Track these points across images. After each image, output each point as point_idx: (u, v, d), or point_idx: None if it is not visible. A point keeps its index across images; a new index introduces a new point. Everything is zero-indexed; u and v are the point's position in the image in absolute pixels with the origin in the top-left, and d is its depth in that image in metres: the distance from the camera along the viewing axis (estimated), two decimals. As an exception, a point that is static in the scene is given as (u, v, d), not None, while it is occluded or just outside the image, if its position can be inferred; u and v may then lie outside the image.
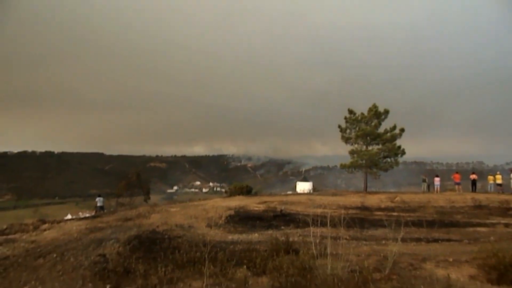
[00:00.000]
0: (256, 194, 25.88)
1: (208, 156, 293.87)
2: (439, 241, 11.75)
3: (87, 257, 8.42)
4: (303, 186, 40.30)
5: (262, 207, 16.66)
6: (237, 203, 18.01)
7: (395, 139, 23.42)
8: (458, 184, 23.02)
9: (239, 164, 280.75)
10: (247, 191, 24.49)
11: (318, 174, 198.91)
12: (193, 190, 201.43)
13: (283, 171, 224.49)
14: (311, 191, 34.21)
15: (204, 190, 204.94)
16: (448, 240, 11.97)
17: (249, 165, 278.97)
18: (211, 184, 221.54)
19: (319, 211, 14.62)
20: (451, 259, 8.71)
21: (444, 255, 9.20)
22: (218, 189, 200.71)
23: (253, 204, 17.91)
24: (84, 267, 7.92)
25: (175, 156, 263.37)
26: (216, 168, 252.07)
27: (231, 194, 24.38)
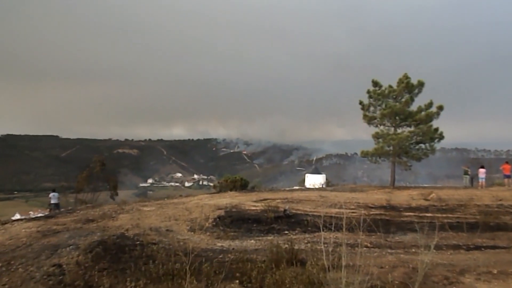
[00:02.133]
0: (253, 189, 26.00)
1: (192, 140, 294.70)
2: (482, 249, 11.92)
3: (39, 267, 8.50)
4: (313, 180, 40.73)
5: (260, 206, 16.81)
6: (229, 201, 18.15)
7: (431, 120, 23.43)
8: (508, 177, 23.34)
9: (232, 151, 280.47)
10: (242, 186, 24.81)
11: (333, 164, 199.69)
12: (172, 184, 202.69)
13: (289, 160, 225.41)
14: (324, 186, 34.63)
15: (187, 184, 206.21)
16: (493, 247, 12.15)
17: (245, 152, 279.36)
18: (195, 176, 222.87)
19: (333, 211, 14.60)
20: (495, 271, 8.84)
21: (487, 265, 9.35)
22: (205, 182, 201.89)
23: (249, 202, 17.99)
24: (35, 280, 8.01)
25: (149, 140, 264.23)
26: (202, 155, 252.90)
27: (221, 189, 24.72)
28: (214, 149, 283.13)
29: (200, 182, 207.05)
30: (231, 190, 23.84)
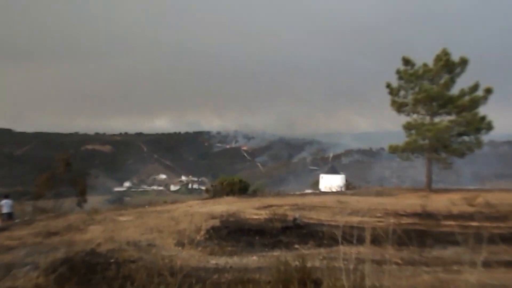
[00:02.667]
0: (255, 193, 26.34)
1: (179, 134, 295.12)
2: (543, 266, 12.27)
3: (-11, 292, 8.68)
4: (330, 181, 41.36)
5: (264, 214, 17.01)
6: (225, 208, 18.45)
7: (477, 106, 23.38)
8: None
9: (228, 146, 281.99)
10: (241, 190, 25.21)
11: (355, 162, 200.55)
12: (155, 187, 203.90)
13: (300, 158, 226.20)
14: (343, 189, 34.70)
15: (173, 187, 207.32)
16: (557, 264, 12.50)
17: (245, 147, 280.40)
18: (183, 178, 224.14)
19: (354, 220, 14.76)
20: (558, 294, 9.13)
21: (549, 287, 9.70)
22: (195, 186, 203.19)
23: (250, 209, 18.32)
24: (-18, 309, 8.13)
25: (126, 134, 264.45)
26: (192, 153, 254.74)
27: (215, 194, 25.16)
28: (206, 144, 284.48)
29: (190, 186, 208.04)
30: (227, 195, 24.11)
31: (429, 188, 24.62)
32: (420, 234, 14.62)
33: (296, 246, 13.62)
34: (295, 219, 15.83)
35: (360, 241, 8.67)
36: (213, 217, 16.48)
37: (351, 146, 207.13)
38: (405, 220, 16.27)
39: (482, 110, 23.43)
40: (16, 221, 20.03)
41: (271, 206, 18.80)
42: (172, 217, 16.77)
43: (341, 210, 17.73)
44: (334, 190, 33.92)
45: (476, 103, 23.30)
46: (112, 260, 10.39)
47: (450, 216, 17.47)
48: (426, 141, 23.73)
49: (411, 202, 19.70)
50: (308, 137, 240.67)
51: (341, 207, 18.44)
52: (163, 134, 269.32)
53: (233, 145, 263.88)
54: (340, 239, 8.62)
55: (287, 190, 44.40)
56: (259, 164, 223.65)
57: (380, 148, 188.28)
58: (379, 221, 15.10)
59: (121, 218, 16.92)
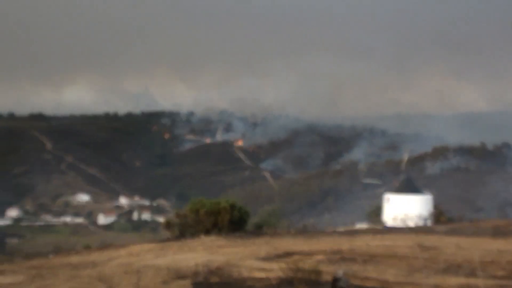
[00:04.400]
0: (260, 231, 25.94)
1: (114, 117, 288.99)
2: None
3: None
4: (404, 207, 38.16)
5: (278, 269, 15.66)
6: (204, 259, 17.24)
7: None
8: None
9: (208, 140, 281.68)
10: (236, 223, 24.44)
11: (453, 171, 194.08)
12: (68, 219, 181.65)
13: (346, 162, 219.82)
14: (430, 223, 34.17)
15: (103, 219, 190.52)
16: None
17: (241, 142, 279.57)
18: (123, 201, 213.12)
19: (452, 283, 13.00)
20: None
21: None
22: (146, 216, 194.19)
23: (251, 261, 17.24)
24: None
25: (12, 116, 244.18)
26: (140, 153, 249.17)
27: (184, 231, 24.39)
28: (166, 137, 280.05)
29: (136, 216, 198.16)
30: (208, 232, 23.20)
31: None
32: None
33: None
34: (336, 280, 14.56)
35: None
36: (180, 276, 15.30)
37: (445, 140, 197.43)
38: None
39: None
40: None
41: (290, 254, 18.17)
42: (100, 277, 15.44)
43: (425, 264, 15.93)
44: (411, 224, 32.08)
45: None
46: None
47: None
48: None
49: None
50: (361, 122, 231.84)
51: (425, 258, 16.96)
52: (82, 118, 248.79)
53: (219, 138, 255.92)
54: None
55: (322, 223, 40.65)
56: (267, 174, 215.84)
57: (503, 144, 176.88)
58: (500, 286, 13.53)
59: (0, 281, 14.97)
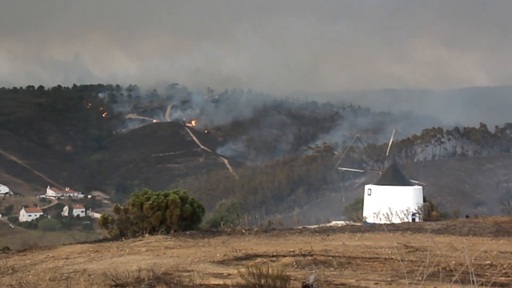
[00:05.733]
0: (218, 228, 25.65)
1: (38, 90, 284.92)
2: None
3: None
4: (387, 201, 38.57)
5: (237, 275, 15.48)
6: (148, 263, 18.08)
7: None
8: None
9: (155, 120, 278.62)
10: (187, 220, 24.36)
11: (447, 159, 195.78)
12: None
13: (318, 145, 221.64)
14: (419, 219, 35.02)
15: (24, 215, 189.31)
16: None
17: (194, 123, 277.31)
18: (51, 192, 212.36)
19: None
20: None
21: None
22: (79, 211, 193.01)
23: (206, 265, 17.99)
24: None
25: None
26: (69, 135, 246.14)
27: (124, 229, 23.98)
28: (103, 115, 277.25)
29: (65, 211, 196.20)
30: (153, 231, 23.23)
31: None
32: None
33: None
34: (307, 287, 14.10)
35: None
36: (120, 283, 15.15)
37: (438, 120, 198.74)
38: None
39: None
40: None
41: (252, 257, 18.39)
42: (21, 285, 15.54)
43: (412, 268, 16.15)
44: (396, 221, 32.27)
45: None
46: None
47: None
48: None
49: None
50: (339, 98, 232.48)
51: (412, 261, 17.29)
52: None
53: (167, 117, 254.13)
54: None
55: (290, 220, 40.86)
56: (225, 161, 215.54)
57: (507, 125, 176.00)
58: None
59: None
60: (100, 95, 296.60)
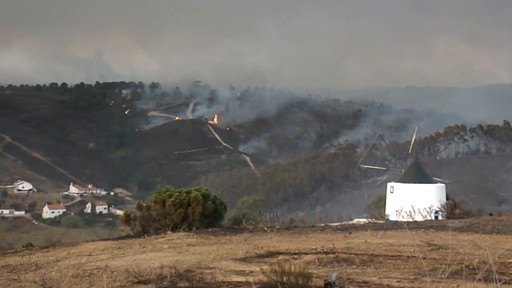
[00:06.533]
0: (240, 226, 26.09)
1: (55, 87, 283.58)
2: None
3: None
4: (410, 198, 38.66)
5: (259, 272, 15.53)
6: (171, 260, 17.78)
7: None
8: None
9: (177, 117, 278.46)
10: (209, 217, 24.63)
11: (468, 155, 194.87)
12: (6, 212, 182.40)
13: (341, 143, 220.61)
14: (442, 217, 34.62)
15: (48, 211, 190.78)
16: None
17: (215, 120, 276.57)
18: (74, 189, 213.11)
19: None
20: None
21: None
22: (102, 208, 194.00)
23: (228, 262, 17.93)
24: None
25: None
26: (92, 131, 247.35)
27: (147, 226, 24.41)
28: (126, 112, 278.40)
29: (88, 207, 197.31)
30: (175, 228, 23.66)
31: None
32: None
33: None
34: (329, 285, 13.69)
35: None
36: (142, 280, 15.20)
37: (461, 118, 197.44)
38: None
39: None
40: None
41: (274, 254, 18.46)
42: (44, 281, 15.20)
43: (435, 266, 16.07)
44: (419, 218, 31.99)
45: None
46: None
47: None
48: None
49: None
50: (362, 95, 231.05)
51: (435, 259, 17.22)
52: (21, 89, 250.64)
53: (190, 114, 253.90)
54: None
55: (313, 217, 40.45)
56: (247, 159, 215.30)
57: None
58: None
59: None
60: (124, 91, 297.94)
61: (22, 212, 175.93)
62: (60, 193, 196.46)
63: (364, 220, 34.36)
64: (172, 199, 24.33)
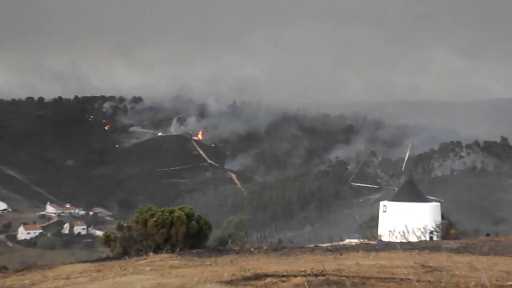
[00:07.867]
0: (226, 247, 25.41)
1: (31, 101, 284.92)
2: None
3: None
4: (403, 218, 38.81)
5: None
6: (152, 284, 17.67)
7: None
8: None
9: (160, 133, 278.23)
10: (194, 238, 24.76)
11: (464, 172, 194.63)
12: None
13: (331, 160, 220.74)
14: (437, 237, 35.40)
15: (23, 233, 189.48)
16: None
17: (200, 135, 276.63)
18: (51, 209, 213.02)
19: None
20: None
21: None
22: (80, 228, 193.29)
23: (212, 284, 17.69)
24: None
25: None
26: (69, 146, 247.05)
27: (127, 248, 24.10)
28: (106, 128, 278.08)
29: (66, 228, 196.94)
30: (158, 249, 23.01)
31: None
32: None
33: None
34: None
35: None
36: None
37: (457, 133, 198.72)
38: None
39: None
40: None
41: (261, 277, 18.28)
42: None
43: None
44: (413, 239, 32.14)
45: None
46: None
47: None
48: None
49: None
50: (353, 110, 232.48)
51: (429, 281, 17.07)
52: None
53: (173, 130, 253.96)
54: None
55: (302, 238, 40.57)
56: (234, 176, 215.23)
57: None
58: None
59: None
60: (104, 105, 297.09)
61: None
62: (36, 213, 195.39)
63: (356, 240, 34.47)
64: (155, 218, 24.04)
